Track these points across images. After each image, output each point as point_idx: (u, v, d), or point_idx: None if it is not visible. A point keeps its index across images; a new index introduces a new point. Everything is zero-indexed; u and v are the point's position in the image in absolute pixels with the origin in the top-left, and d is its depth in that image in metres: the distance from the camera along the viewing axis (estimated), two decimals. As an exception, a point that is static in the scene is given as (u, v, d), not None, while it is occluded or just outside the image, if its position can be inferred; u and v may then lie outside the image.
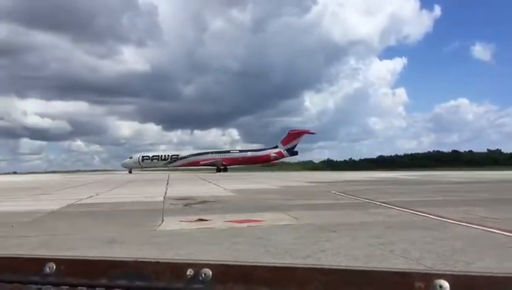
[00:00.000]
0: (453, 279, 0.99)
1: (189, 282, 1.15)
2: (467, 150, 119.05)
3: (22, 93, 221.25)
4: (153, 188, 25.95)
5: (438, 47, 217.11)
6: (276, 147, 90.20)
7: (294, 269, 1.11)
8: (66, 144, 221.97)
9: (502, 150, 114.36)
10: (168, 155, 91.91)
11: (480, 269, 5.47)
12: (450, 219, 9.98)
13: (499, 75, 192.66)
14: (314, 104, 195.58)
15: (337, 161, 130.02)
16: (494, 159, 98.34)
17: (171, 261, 1.21)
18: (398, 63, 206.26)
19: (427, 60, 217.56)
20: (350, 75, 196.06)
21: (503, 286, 0.98)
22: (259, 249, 7.01)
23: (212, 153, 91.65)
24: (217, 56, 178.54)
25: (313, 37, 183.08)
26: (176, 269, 1.18)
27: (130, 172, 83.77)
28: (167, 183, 31.68)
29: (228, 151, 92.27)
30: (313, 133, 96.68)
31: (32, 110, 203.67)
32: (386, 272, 1.05)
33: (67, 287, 1.24)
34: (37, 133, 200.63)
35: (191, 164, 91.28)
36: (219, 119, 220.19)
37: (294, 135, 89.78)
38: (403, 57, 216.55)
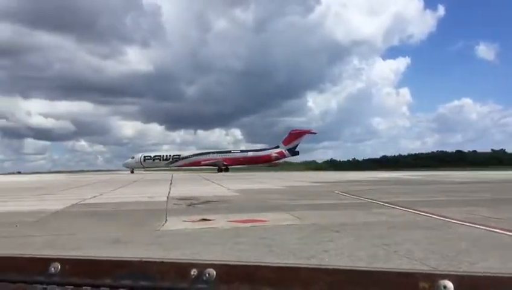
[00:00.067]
0: (457, 279, 0.99)
1: (194, 282, 1.16)
2: (471, 150, 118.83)
3: (26, 94, 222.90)
4: (156, 188, 25.98)
5: (442, 47, 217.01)
6: (278, 147, 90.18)
7: (299, 269, 1.12)
8: (69, 144, 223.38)
9: (506, 150, 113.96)
10: (170, 155, 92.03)
11: (484, 269, 5.46)
12: (453, 219, 9.95)
13: (503, 74, 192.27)
14: (317, 104, 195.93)
15: (340, 161, 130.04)
16: (498, 159, 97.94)
17: (176, 261, 1.22)
18: (401, 63, 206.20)
19: (430, 60, 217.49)
20: (353, 75, 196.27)
21: (508, 286, 0.98)
22: (262, 249, 7.01)
23: (213, 153, 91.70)
24: (220, 56, 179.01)
25: (316, 37, 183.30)
26: (180, 269, 1.19)
27: (132, 172, 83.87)
28: (170, 183, 31.70)
29: (229, 152, 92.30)
30: (314, 133, 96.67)
31: (36, 110, 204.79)
32: (390, 272, 1.05)
33: (72, 287, 1.24)
34: (41, 133, 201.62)
35: (193, 164, 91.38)
36: (222, 119, 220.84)
37: (296, 135, 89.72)
38: (407, 57, 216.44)
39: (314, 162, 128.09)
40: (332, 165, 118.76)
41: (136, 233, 9.06)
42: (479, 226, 8.91)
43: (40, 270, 1.27)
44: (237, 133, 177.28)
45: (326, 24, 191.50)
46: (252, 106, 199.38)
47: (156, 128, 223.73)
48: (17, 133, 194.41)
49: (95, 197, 19.25)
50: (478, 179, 33.25)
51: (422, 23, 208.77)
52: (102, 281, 1.23)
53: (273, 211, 12.35)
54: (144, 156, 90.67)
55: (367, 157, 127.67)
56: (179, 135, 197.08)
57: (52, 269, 1.27)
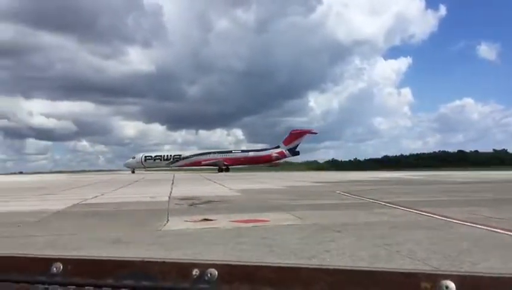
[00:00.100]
0: (459, 279, 0.99)
1: (195, 282, 1.16)
2: (472, 150, 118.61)
3: (27, 94, 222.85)
4: (158, 188, 25.99)
5: (443, 47, 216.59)
6: (278, 147, 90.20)
7: (300, 269, 1.12)
8: (71, 144, 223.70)
9: (508, 150, 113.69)
10: (171, 155, 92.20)
11: (486, 269, 5.45)
12: (455, 219, 9.94)
13: (505, 74, 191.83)
14: (319, 104, 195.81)
15: (341, 161, 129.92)
16: (500, 159, 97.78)
17: (177, 261, 1.22)
18: (403, 63, 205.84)
19: (432, 60, 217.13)
20: (355, 75, 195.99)
21: (510, 286, 0.98)
22: (264, 249, 7.01)
23: (214, 153, 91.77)
24: (222, 56, 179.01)
25: (318, 37, 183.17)
26: (181, 269, 1.19)
27: (133, 172, 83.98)
28: (172, 183, 31.72)
29: (230, 152, 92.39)
30: (315, 133, 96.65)
31: (37, 110, 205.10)
32: (392, 272, 1.05)
33: (74, 287, 1.25)
34: (42, 134, 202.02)
35: (193, 164, 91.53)
36: (224, 119, 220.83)
37: (296, 135, 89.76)
38: (408, 57, 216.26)
39: (315, 162, 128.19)
40: (334, 165, 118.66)
41: (137, 233, 9.07)
42: (480, 226, 8.89)
43: (42, 270, 1.28)
44: (239, 133, 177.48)
45: (327, 24, 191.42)
46: (254, 106, 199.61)
47: (157, 129, 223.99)
48: (18, 133, 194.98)
49: (96, 197, 19.27)
50: (480, 179, 33.20)
51: (423, 23, 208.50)
52: (104, 281, 1.23)
53: (274, 211, 12.35)
54: (145, 156, 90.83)
55: (368, 157, 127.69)
56: (181, 135, 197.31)
57: (54, 269, 1.27)
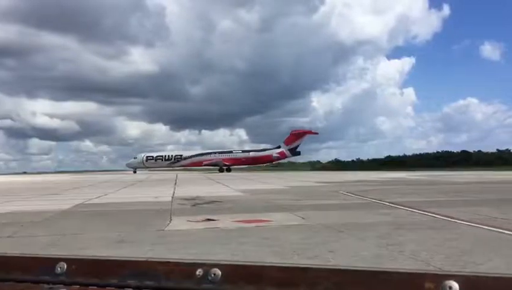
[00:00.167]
0: (463, 280, 0.99)
1: (199, 282, 1.16)
2: (476, 150, 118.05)
3: (31, 94, 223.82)
4: (161, 188, 26.04)
5: (447, 46, 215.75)
6: (279, 147, 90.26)
7: (304, 269, 1.12)
8: (74, 144, 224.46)
9: (511, 150, 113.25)
10: (172, 155, 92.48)
11: (489, 269, 5.44)
12: (458, 219, 9.92)
13: (509, 74, 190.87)
14: (321, 105, 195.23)
15: (344, 161, 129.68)
16: (503, 159, 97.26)
17: (181, 261, 1.22)
18: (406, 63, 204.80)
19: (435, 60, 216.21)
20: (358, 75, 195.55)
21: None
22: (266, 249, 7.02)
23: (215, 153, 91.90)
24: (225, 56, 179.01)
25: (321, 37, 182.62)
26: (185, 269, 1.19)
27: (135, 172, 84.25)
28: (175, 184, 31.77)
29: (230, 152, 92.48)
30: (315, 133, 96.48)
31: (41, 110, 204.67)
32: (396, 272, 1.05)
33: (78, 286, 1.25)
34: (46, 134, 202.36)
35: (194, 164, 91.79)
36: (227, 120, 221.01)
37: (297, 135, 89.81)
38: (411, 57, 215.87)
39: (318, 162, 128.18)
40: (337, 165, 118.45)
41: (141, 233, 9.08)
42: (484, 227, 8.88)
43: (47, 270, 1.28)
44: (242, 133, 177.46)
45: (330, 24, 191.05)
46: (257, 106, 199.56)
47: (160, 129, 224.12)
48: (22, 133, 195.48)
49: (100, 197, 19.32)
50: (483, 180, 33.12)
51: (427, 23, 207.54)
52: (108, 281, 1.24)
53: (277, 211, 12.35)
54: (147, 156, 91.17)
55: (371, 158, 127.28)
56: (184, 135, 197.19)
57: (59, 268, 1.27)
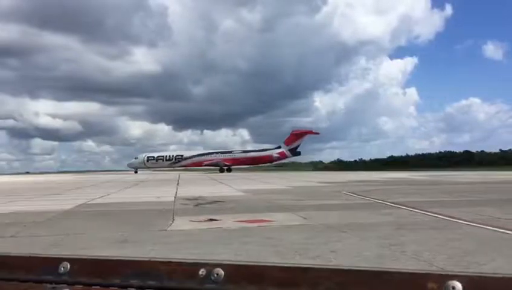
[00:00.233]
0: (466, 280, 0.98)
1: (202, 282, 1.16)
2: (479, 150, 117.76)
3: (33, 94, 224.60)
4: (163, 188, 26.06)
5: (450, 46, 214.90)
6: (279, 147, 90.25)
7: (306, 269, 1.12)
8: (77, 144, 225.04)
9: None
10: (173, 155, 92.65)
11: (492, 269, 5.43)
12: (461, 220, 9.90)
13: (511, 74, 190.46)
14: (324, 105, 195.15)
15: (347, 161, 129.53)
16: (506, 159, 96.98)
17: (184, 261, 1.22)
18: (409, 63, 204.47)
19: (438, 59, 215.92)
20: (360, 75, 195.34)
21: None
22: (269, 249, 7.02)
23: (215, 153, 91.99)
24: (227, 56, 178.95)
25: (323, 37, 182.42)
26: (188, 269, 1.19)
27: (136, 172, 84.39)
28: (177, 184, 31.79)
29: (231, 152, 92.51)
30: (316, 134, 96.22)
31: (44, 110, 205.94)
32: (399, 272, 1.05)
33: (81, 286, 1.25)
34: (48, 134, 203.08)
35: (195, 164, 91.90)
36: (229, 120, 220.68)
37: (297, 135, 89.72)
38: (414, 56, 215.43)
39: (321, 162, 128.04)
40: (339, 165, 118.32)
41: (143, 233, 9.10)
42: (487, 227, 8.86)
43: (50, 269, 1.29)
44: (244, 133, 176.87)
45: (333, 24, 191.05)
46: (259, 106, 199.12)
47: (163, 129, 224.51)
48: (25, 133, 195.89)
49: (102, 197, 19.36)
50: (486, 180, 33.04)
51: (429, 23, 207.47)
52: (110, 280, 1.24)
53: (279, 212, 12.36)
54: (147, 157, 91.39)
55: (374, 158, 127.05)
56: (186, 135, 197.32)
57: (62, 268, 1.28)
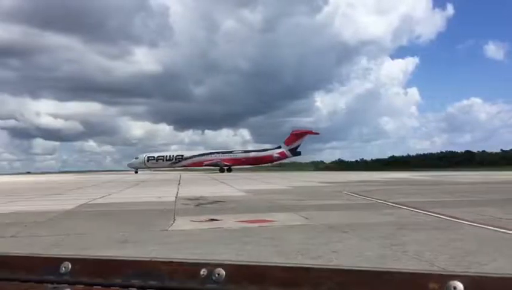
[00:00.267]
0: (468, 280, 0.98)
1: (203, 282, 1.16)
2: (480, 150, 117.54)
3: (35, 94, 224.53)
4: (164, 188, 26.08)
5: (451, 46, 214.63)
6: (280, 147, 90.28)
7: (308, 269, 1.12)
8: (78, 144, 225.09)
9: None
10: (173, 156, 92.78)
11: (494, 270, 5.42)
12: (462, 220, 9.89)
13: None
14: (325, 105, 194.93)
15: (348, 161, 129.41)
16: (508, 159, 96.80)
17: (185, 261, 1.22)
18: (410, 63, 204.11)
19: (439, 59, 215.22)
20: (361, 75, 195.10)
21: None
22: (270, 249, 7.02)
23: (215, 153, 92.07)
24: (228, 56, 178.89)
25: (324, 37, 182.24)
26: (189, 269, 1.19)
27: (136, 172, 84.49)
28: (179, 184, 31.81)
29: (231, 152, 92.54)
30: (316, 134, 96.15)
31: (45, 110, 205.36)
32: (400, 273, 1.05)
33: (82, 286, 1.25)
34: (50, 134, 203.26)
35: (195, 164, 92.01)
36: (230, 120, 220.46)
37: (297, 135, 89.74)
38: (415, 56, 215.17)
39: (322, 162, 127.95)
40: (340, 165, 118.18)
41: (144, 233, 9.10)
42: (489, 227, 8.85)
43: (51, 269, 1.29)
44: (245, 133, 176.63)
45: (334, 24, 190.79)
46: (260, 106, 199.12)
47: (164, 129, 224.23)
48: (26, 133, 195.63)
49: (103, 197, 19.37)
50: (488, 180, 33.01)
51: (431, 23, 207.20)
52: (112, 280, 1.24)
53: (281, 212, 12.36)
54: (148, 157, 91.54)
55: (375, 158, 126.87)
56: (187, 135, 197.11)
57: (63, 268, 1.28)
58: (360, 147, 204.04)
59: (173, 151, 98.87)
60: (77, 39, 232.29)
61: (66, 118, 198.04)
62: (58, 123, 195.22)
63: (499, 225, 8.96)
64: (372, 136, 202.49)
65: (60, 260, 1.30)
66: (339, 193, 20.06)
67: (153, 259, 1.26)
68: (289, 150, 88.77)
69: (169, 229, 9.41)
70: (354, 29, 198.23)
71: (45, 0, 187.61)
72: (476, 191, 20.25)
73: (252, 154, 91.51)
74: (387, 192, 19.99)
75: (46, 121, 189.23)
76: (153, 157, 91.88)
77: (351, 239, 7.84)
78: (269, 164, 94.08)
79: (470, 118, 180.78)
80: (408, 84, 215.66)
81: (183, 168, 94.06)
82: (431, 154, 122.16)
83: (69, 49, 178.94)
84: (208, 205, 14.69)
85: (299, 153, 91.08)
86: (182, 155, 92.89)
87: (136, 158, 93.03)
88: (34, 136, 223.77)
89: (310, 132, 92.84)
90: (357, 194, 18.49)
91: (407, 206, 13.09)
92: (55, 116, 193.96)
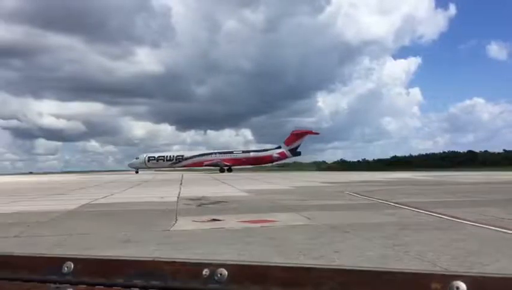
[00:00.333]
0: (470, 281, 0.98)
1: (205, 282, 1.16)
2: (482, 150, 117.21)
3: (37, 95, 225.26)
4: (166, 189, 26.10)
5: (453, 46, 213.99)
6: (280, 147, 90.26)
7: (310, 269, 1.12)
8: (80, 144, 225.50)
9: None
10: (173, 156, 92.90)
11: (496, 270, 5.41)
12: (465, 220, 9.87)
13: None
14: (327, 105, 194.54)
15: (350, 161, 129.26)
16: (510, 160, 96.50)
17: (187, 261, 1.23)
18: (412, 63, 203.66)
19: (442, 59, 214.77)
20: (364, 75, 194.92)
21: None
22: (272, 249, 7.02)
23: (216, 153, 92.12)
24: (230, 57, 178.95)
25: (326, 37, 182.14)
26: (191, 269, 1.20)
27: (137, 172, 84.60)
28: (181, 184, 31.83)
29: (231, 152, 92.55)
30: (316, 134, 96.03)
31: (47, 111, 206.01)
32: (402, 273, 1.05)
33: (84, 286, 1.26)
34: (52, 134, 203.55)
35: (196, 164, 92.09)
36: (232, 120, 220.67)
37: (298, 135, 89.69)
38: (417, 56, 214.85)
39: (324, 162, 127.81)
40: (343, 165, 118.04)
41: (146, 233, 9.11)
42: (491, 227, 8.83)
43: (54, 269, 1.29)
44: (247, 133, 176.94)
45: (336, 24, 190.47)
46: (262, 106, 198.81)
47: (166, 129, 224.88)
48: (28, 133, 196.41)
49: (106, 197, 19.40)
50: (490, 180, 32.94)
51: (433, 23, 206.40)
52: (114, 280, 1.24)
53: (282, 212, 12.35)
54: (148, 157, 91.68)
55: (377, 158, 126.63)
56: (189, 135, 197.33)
57: (65, 268, 1.28)
58: (362, 147, 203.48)
59: (174, 151, 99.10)
60: (79, 39, 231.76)
61: (68, 118, 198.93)
62: (61, 123, 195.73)
63: (501, 225, 8.94)
64: (375, 136, 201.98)
65: (63, 260, 1.30)
66: (341, 193, 20.04)
67: (156, 259, 1.26)
68: (289, 150, 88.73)
69: (172, 229, 9.41)
70: (356, 29, 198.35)
71: (47, 1, 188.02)
72: (478, 191, 20.21)
73: (252, 154, 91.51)
74: (389, 192, 19.96)
75: (49, 121, 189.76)
76: (154, 157, 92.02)
77: (353, 239, 7.84)
78: (270, 164, 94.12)
79: (472, 118, 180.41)
80: (410, 84, 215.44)
81: (183, 168, 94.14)
82: (433, 154, 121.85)
83: (71, 50, 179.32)
84: (210, 205, 14.70)
85: (299, 153, 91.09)
86: (182, 155, 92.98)
87: (136, 158, 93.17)
88: (37, 137, 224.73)
89: (310, 132, 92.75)
90: (359, 194, 18.47)
91: (409, 206, 13.08)
92: (58, 116, 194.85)
